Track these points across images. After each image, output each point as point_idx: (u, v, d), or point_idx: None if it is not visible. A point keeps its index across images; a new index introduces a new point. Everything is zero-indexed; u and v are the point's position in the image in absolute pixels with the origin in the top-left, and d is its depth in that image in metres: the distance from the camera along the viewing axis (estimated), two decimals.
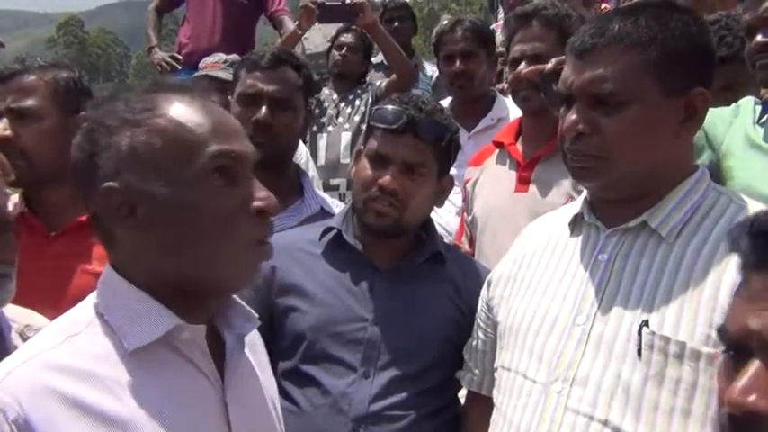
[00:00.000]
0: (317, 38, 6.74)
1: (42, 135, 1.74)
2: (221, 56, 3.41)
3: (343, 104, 3.85)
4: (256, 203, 1.00)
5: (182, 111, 1.00)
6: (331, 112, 3.84)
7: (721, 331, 0.83)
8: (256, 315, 1.12)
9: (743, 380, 0.74)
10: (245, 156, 1.01)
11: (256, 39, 4.71)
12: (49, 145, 1.75)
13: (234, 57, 3.40)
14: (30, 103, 1.75)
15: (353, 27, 3.91)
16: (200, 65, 3.48)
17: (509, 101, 3.38)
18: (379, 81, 3.87)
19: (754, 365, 0.74)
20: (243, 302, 1.12)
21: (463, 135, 2.75)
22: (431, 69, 4.77)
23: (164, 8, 4.73)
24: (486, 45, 3.05)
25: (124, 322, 0.98)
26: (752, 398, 0.72)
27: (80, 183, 1.01)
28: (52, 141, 1.75)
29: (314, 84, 2.18)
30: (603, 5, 4.53)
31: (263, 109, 1.96)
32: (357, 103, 3.80)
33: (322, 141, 3.89)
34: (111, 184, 0.97)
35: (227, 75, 3.16)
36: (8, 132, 1.72)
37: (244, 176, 1.01)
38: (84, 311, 1.02)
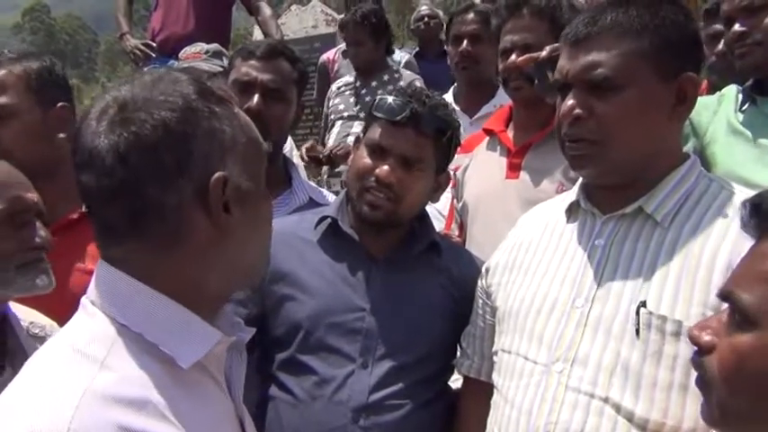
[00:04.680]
0: (295, 24, 6.72)
1: (22, 133, 1.69)
2: (202, 45, 3.32)
3: (364, 91, 3.93)
4: None
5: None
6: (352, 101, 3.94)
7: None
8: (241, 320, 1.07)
9: None
10: None
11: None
12: (31, 142, 1.69)
13: (215, 46, 3.33)
14: (4, 100, 1.69)
15: (353, 18, 3.94)
16: (181, 55, 3.40)
17: None
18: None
19: None
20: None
21: (465, 121, 2.75)
22: (399, 55, 4.79)
23: None
24: None
25: (167, 337, 0.88)
26: None
27: (156, 166, 0.87)
28: (34, 138, 1.70)
29: (307, 79, 2.18)
30: None
31: (256, 97, 1.96)
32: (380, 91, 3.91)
33: (333, 131, 3.94)
34: (222, 173, 0.90)
35: (210, 66, 3.10)
36: None
37: None
38: (98, 326, 0.88)
